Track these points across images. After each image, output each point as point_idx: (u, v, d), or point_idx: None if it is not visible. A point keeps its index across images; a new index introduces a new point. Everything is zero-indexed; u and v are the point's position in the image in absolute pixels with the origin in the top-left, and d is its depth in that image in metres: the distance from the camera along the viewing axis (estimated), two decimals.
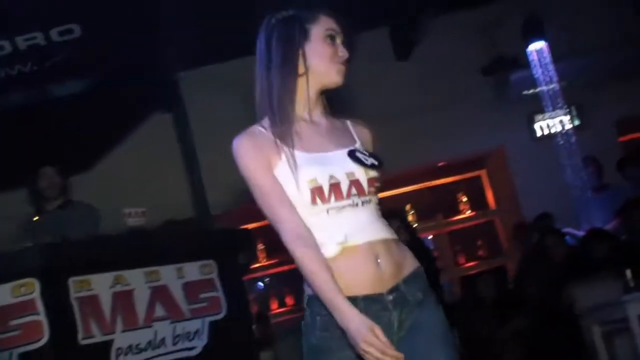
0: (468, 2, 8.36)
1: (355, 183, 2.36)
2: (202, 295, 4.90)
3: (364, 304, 2.28)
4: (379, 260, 2.33)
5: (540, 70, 7.78)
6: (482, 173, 9.68)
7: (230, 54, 7.95)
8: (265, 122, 2.44)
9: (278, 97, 2.41)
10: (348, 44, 2.50)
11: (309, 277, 2.28)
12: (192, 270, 4.90)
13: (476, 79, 8.54)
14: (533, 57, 7.83)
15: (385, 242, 2.38)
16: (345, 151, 2.42)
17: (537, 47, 7.82)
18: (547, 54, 7.78)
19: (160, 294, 4.72)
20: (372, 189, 2.40)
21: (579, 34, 8.30)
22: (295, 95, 2.44)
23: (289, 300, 9.40)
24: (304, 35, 2.44)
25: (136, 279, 4.67)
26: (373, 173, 2.40)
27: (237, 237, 5.66)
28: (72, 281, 4.39)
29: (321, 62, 2.45)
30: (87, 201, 5.85)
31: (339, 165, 2.38)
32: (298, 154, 2.36)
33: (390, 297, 2.33)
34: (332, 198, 2.33)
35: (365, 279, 2.31)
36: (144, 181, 7.86)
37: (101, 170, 8.11)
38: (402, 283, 2.36)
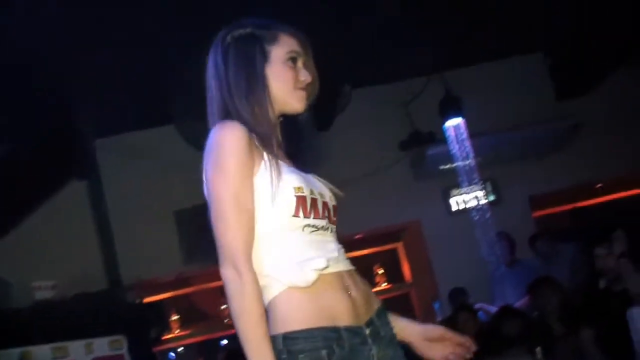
0: (387, 76, 8.46)
1: (326, 206, 2.26)
2: None
3: (347, 335, 2.11)
4: (349, 292, 2.19)
5: (456, 146, 7.87)
6: (399, 246, 9.71)
7: (147, 123, 7.89)
8: None
9: (254, 117, 2.23)
10: (310, 64, 2.38)
11: (242, 310, 2.02)
12: (102, 346, 4.77)
13: (394, 153, 8.62)
14: (450, 133, 7.92)
15: (351, 273, 2.28)
16: (313, 174, 2.34)
17: (454, 123, 7.91)
18: (463, 130, 7.88)
19: None
20: (335, 218, 2.31)
21: (495, 111, 8.50)
22: (268, 111, 2.27)
23: None
24: (264, 57, 2.29)
25: (43, 356, 4.50)
26: (334, 202, 2.34)
27: (148, 310, 5.54)
28: None
29: (282, 88, 2.30)
30: None
31: (312, 182, 2.27)
32: (280, 162, 2.20)
33: (368, 331, 2.18)
34: (312, 214, 2.18)
35: (344, 310, 2.14)
36: (56, 252, 7.65)
37: (12, 241, 7.86)
38: (375, 317, 2.25)
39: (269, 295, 2.13)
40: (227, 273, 2.07)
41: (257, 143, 2.18)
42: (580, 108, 8.69)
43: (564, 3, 7.22)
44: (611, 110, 8.84)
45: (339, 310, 2.13)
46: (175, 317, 9.06)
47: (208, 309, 9.30)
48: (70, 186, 7.95)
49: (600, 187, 10.16)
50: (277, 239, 2.15)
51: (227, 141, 2.12)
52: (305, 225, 2.16)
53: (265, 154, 2.18)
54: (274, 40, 2.30)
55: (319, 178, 2.35)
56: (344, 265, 2.27)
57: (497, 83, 8.71)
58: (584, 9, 7.38)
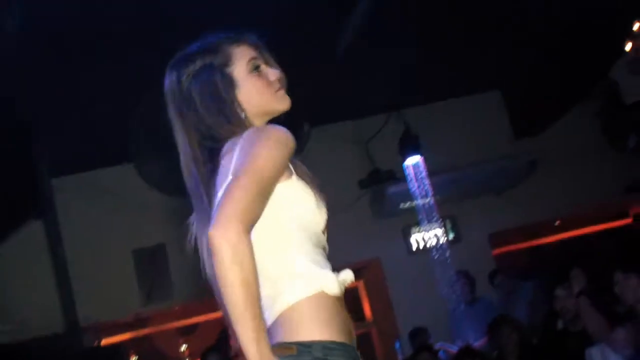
0: (346, 114, 8.49)
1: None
2: None
3: (355, 353, 2.03)
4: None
5: (415, 184, 7.90)
6: (359, 284, 9.68)
7: (106, 162, 7.84)
8: None
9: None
10: (270, 60, 2.28)
11: (240, 280, 1.78)
12: None
13: (354, 192, 8.63)
14: (409, 171, 7.94)
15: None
16: None
17: (413, 161, 7.95)
18: (422, 168, 7.91)
19: None
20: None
21: (454, 149, 8.56)
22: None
23: None
24: (229, 83, 2.18)
25: None
26: None
27: (106, 353, 5.45)
28: None
29: (262, 100, 2.21)
30: None
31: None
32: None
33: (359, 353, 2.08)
34: (326, 235, 2.18)
35: (352, 328, 2.07)
36: (13, 294, 7.52)
37: None
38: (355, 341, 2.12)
39: (297, 294, 2.00)
40: (229, 235, 1.79)
41: None
42: (537, 145, 8.79)
43: (520, 42, 7.32)
44: (567, 147, 8.95)
45: (351, 328, 2.07)
46: (134, 359, 8.93)
47: (168, 351, 9.20)
48: (27, 226, 7.84)
49: (558, 224, 10.26)
50: (312, 241, 2.09)
51: (273, 139, 2.00)
52: (323, 247, 2.16)
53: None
54: (227, 60, 2.21)
55: None
56: None
57: (456, 120, 8.78)
58: (540, 48, 7.49)
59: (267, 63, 2.25)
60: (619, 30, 6.50)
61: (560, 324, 5.66)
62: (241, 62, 2.21)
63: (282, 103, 2.23)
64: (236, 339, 1.81)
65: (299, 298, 2.00)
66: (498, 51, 7.55)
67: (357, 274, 9.42)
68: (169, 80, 2.24)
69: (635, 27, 6.29)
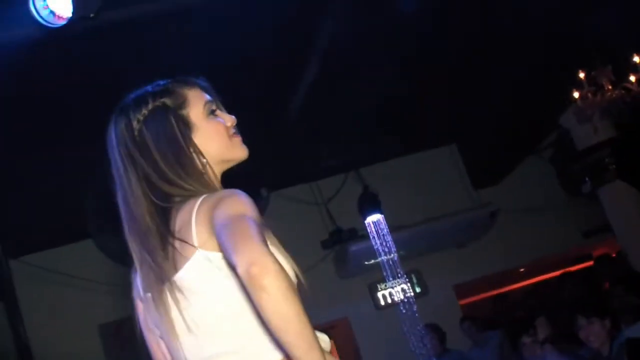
0: (304, 176, 8.54)
1: None
2: None
3: None
4: None
5: (378, 241, 7.93)
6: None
7: (64, 240, 7.79)
8: None
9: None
10: (221, 106, 2.12)
11: (299, 309, 1.66)
12: None
13: (317, 252, 8.63)
14: (370, 229, 7.98)
15: None
16: None
17: (374, 218, 7.99)
18: (384, 225, 7.95)
19: None
20: None
21: (413, 205, 8.64)
22: (213, 180, 2.02)
23: None
24: (186, 126, 2.02)
25: None
26: None
27: None
28: None
29: (219, 146, 2.04)
30: None
31: None
32: None
33: None
34: None
35: None
36: None
37: None
38: None
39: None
40: (271, 265, 1.67)
41: None
42: (496, 196, 8.91)
43: (472, 96, 7.45)
44: (525, 196, 9.08)
45: None
46: None
47: None
48: None
49: (522, 271, 10.34)
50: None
51: (243, 199, 1.87)
52: None
53: None
54: (182, 101, 2.04)
55: None
56: None
57: (414, 176, 8.88)
58: (493, 101, 7.62)
59: (219, 108, 2.11)
60: (565, 80, 6.65)
61: None
62: (197, 105, 2.05)
63: (241, 151, 2.08)
64: None
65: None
66: (450, 106, 7.67)
67: (327, 335, 9.44)
68: (116, 126, 2.05)
69: (581, 76, 6.44)
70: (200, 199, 1.92)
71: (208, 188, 1.98)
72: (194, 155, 2.00)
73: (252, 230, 1.75)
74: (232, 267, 1.78)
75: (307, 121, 6.67)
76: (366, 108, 6.98)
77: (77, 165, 5.77)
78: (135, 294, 2.14)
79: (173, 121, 2.01)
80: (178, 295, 1.92)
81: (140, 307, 2.12)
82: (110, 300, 7.78)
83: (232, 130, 2.08)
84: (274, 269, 1.66)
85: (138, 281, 2.08)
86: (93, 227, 6.74)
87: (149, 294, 2.00)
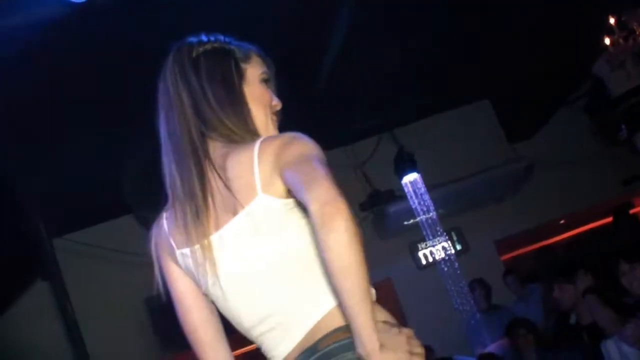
0: (339, 140, 8.54)
1: None
2: None
3: None
4: None
5: (416, 201, 7.92)
6: None
7: (104, 217, 7.89)
8: None
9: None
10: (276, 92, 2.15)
11: (362, 257, 1.68)
12: None
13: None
14: (407, 189, 7.97)
15: None
16: None
17: (410, 178, 7.97)
18: (421, 184, 7.93)
19: None
20: None
21: (449, 162, 8.61)
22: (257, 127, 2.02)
23: None
24: (241, 75, 2.03)
25: None
26: None
27: None
28: None
29: (260, 111, 2.04)
30: None
31: None
32: None
33: None
34: None
35: None
36: (27, 356, 7.53)
37: None
38: None
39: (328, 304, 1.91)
40: (345, 211, 1.70)
41: None
42: (532, 149, 8.87)
43: (503, 49, 7.38)
44: (561, 147, 9.03)
45: None
46: None
47: None
48: (35, 288, 7.87)
49: (563, 223, 10.29)
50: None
51: (311, 141, 1.91)
52: None
53: None
54: (246, 58, 2.07)
55: None
56: None
57: (448, 134, 8.84)
58: (523, 53, 7.55)
59: (272, 86, 2.14)
60: (596, 27, 6.56)
61: (572, 319, 5.67)
62: (256, 67, 2.09)
63: (274, 129, 2.09)
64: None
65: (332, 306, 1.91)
66: (482, 61, 7.60)
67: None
68: (176, 51, 2.07)
69: (611, 22, 6.35)
70: (258, 143, 1.91)
71: (251, 134, 1.98)
72: (243, 98, 2.02)
73: (325, 171, 1.79)
74: (302, 207, 1.83)
75: (337, 85, 6.64)
76: (397, 66, 6.93)
77: (117, 141, 5.84)
78: (159, 251, 2.15)
79: (232, 64, 2.03)
80: (234, 240, 1.93)
81: (169, 266, 2.14)
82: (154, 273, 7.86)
83: (274, 109, 2.09)
84: (346, 212, 1.68)
85: (166, 238, 2.09)
86: (132, 202, 6.82)
87: (189, 249, 2.00)
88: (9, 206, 6.06)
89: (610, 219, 9.08)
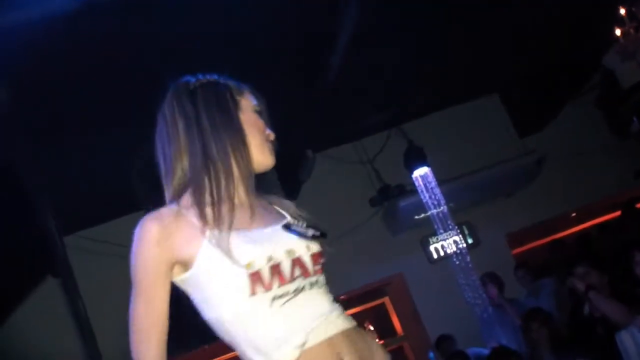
0: (349, 136, 8.54)
1: (297, 262, 1.97)
2: None
3: None
4: (342, 359, 1.91)
5: (427, 195, 7.91)
6: (386, 300, 9.70)
7: (113, 214, 7.90)
8: (184, 200, 2.06)
9: (221, 169, 2.03)
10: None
11: None
12: None
13: (366, 210, 8.65)
14: (418, 183, 7.96)
15: (346, 334, 1.97)
16: (279, 226, 2.06)
17: (421, 172, 7.96)
18: (431, 178, 7.93)
19: None
20: (318, 267, 2.03)
21: (459, 156, 8.60)
22: (250, 153, 2.10)
23: None
24: (235, 102, 2.12)
25: None
26: (315, 247, 2.05)
27: None
28: None
29: (255, 138, 2.11)
30: None
31: (276, 242, 1.98)
32: (232, 233, 1.94)
33: None
34: (274, 284, 1.90)
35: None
36: (39, 352, 7.55)
37: None
38: None
39: None
40: None
41: (198, 221, 1.98)
42: (542, 143, 8.84)
43: (512, 42, 7.36)
44: (571, 141, 9.00)
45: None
46: None
47: None
48: (46, 285, 7.88)
49: (574, 216, 10.26)
50: (246, 322, 1.93)
51: (136, 240, 2.16)
52: (273, 298, 1.92)
53: (207, 233, 1.97)
54: (240, 92, 2.17)
55: (296, 223, 2.11)
56: (336, 327, 1.97)
57: (458, 128, 8.83)
58: (532, 46, 7.52)
59: (263, 117, 2.21)
60: (606, 18, 6.54)
61: (586, 309, 5.66)
62: (249, 99, 2.18)
63: (268, 155, 2.16)
64: None
65: None
66: (491, 54, 7.58)
67: (383, 291, 9.46)
68: (173, 88, 2.17)
69: (622, 12, 6.33)
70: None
71: (211, 183, 2.05)
72: (238, 122, 2.11)
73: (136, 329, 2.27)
74: None
75: (347, 81, 6.63)
76: (405, 63, 6.92)
77: (126, 139, 5.83)
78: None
79: (227, 95, 2.13)
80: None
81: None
82: None
83: (268, 138, 2.18)
84: None
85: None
86: (142, 198, 6.82)
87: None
88: (20, 203, 6.07)
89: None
